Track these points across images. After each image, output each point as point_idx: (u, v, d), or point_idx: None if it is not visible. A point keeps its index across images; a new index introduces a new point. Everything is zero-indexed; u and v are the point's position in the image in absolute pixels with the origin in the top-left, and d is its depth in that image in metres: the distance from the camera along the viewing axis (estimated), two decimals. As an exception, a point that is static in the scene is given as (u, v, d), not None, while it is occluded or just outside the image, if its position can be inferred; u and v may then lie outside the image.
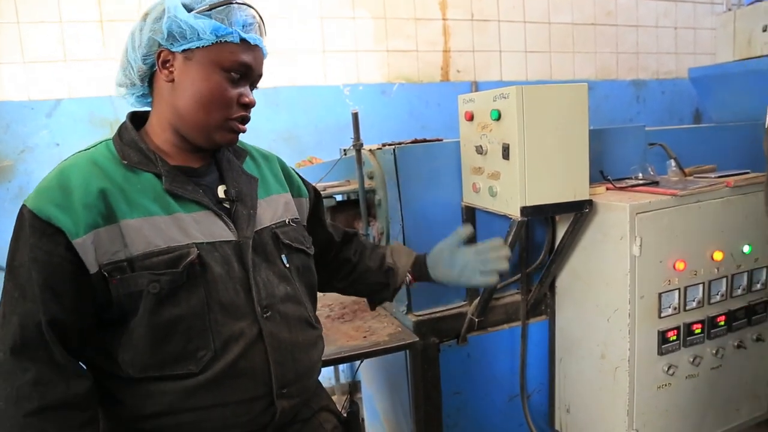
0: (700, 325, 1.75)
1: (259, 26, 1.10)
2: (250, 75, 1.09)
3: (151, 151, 1.07)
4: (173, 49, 1.03)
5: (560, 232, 1.80)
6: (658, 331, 1.67)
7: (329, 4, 2.81)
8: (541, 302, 1.95)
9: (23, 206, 0.98)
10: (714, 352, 1.79)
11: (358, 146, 1.75)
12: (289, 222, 1.22)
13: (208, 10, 1.03)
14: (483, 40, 3.09)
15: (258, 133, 2.73)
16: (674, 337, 1.70)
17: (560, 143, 1.52)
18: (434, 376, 1.81)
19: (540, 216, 1.67)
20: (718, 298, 1.77)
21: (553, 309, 1.95)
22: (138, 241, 0.98)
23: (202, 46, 1.02)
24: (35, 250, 0.94)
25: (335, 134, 2.67)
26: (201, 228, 1.05)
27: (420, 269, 1.50)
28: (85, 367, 1.04)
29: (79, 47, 2.47)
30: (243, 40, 1.05)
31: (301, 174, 1.39)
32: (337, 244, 1.48)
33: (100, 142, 1.09)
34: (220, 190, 1.13)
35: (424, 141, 1.82)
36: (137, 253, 0.98)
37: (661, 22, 3.60)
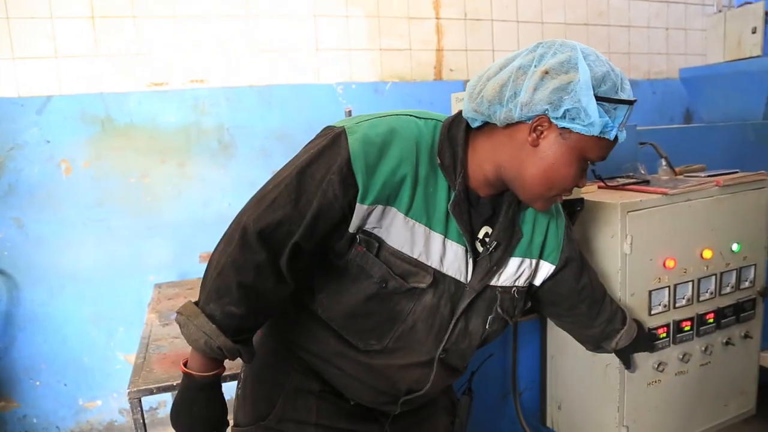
0: (689, 323, 1.76)
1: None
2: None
3: (461, 164, 1.06)
4: (556, 123, 0.98)
5: (552, 231, 1.81)
6: (648, 329, 1.68)
7: (322, 2, 2.81)
8: (533, 300, 1.96)
9: (346, 135, 1.01)
10: (703, 349, 1.81)
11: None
12: (514, 292, 1.21)
13: (609, 102, 0.97)
14: (476, 39, 3.10)
15: (251, 132, 2.73)
16: (664, 335, 1.72)
17: (552, 142, 1.53)
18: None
19: (532, 214, 1.68)
20: (707, 295, 1.79)
21: (544, 307, 1.97)
22: (397, 237, 1.04)
23: (582, 134, 0.98)
24: (329, 184, 0.99)
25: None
26: (447, 258, 1.09)
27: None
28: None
29: (70, 43, 2.46)
30: (615, 138, 1.01)
31: (572, 238, 1.31)
32: (580, 308, 1.39)
33: (433, 119, 1.10)
34: (482, 231, 1.14)
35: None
36: (391, 244, 1.05)
37: (652, 23, 3.63)
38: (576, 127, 0.96)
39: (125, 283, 2.64)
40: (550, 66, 0.97)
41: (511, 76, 0.99)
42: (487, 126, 1.07)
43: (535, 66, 0.98)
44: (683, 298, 1.75)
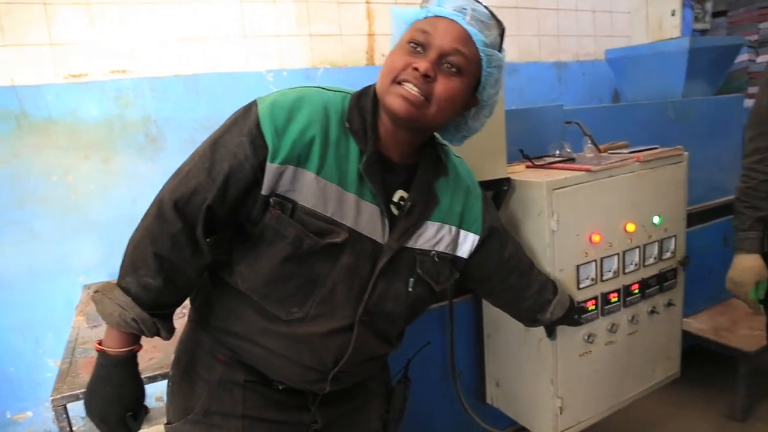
0: (616, 294, 1.83)
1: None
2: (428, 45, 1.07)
3: (372, 127, 1.10)
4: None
5: (483, 211, 1.84)
6: (578, 302, 1.73)
7: (249, -13, 2.72)
8: (468, 281, 1.99)
9: (256, 103, 1.07)
10: (630, 318, 1.89)
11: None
12: (433, 255, 1.22)
13: None
14: (407, 23, 3.09)
15: (179, 123, 2.63)
16: (593, 307, 1.78)
17: (477, 123, 1.54)
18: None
19: (461, 195, 1.69)
20: (632, 267, 1.87)
21: (479, 286, 2.00)
22: (310, 197, 1.06)
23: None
24: (241, 147, 1.03)
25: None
26: (362, 217, 1.11)
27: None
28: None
29: (-24, 34, 2.29)
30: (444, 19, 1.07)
31: (491, 209, 1.36)
32: (507, 273, 1.42)
33: (341, 92, 1.14)
34: (397, 195, 1.17)
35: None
36: (304, 204, 1.06)
37: (580, 6, 3.71)
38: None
39: (53, 286, 2.51)
40: None
41: None
42: None
43: None
44: (610, 271, 1.82)
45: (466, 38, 1.06)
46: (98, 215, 2.55)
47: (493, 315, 1.97)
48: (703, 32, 3.98)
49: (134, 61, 2.57)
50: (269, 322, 1.12)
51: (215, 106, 2.67)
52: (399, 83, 1.04)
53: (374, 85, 1.14)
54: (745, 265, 1.86)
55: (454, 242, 1.27)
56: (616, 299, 1.83)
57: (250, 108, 1.07)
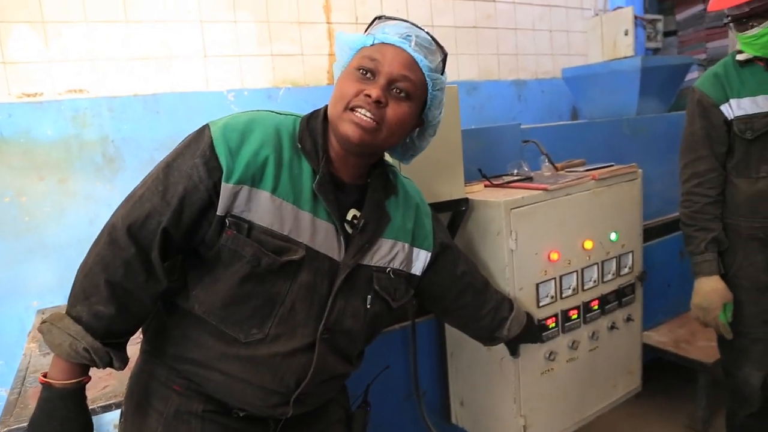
0: (576, 311, 1.85)
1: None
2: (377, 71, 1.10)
3: (323, 149, 1.12)
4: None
5: (443, 231, 1.84)
6: (538, 320, 1.74)
7: (209, 7, 2.70)
8: (430, 300, 1.98)
9: (209, 126, 1.08)
10: (590, 335, 1.91)
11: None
12: (389, 272, 1.24)
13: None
14: (368, 43, 3.11)
15: (138, 143, 2.59)
16: (553, 325, 1.79)
17: (434, 144, 1.54)
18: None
19: (420, 216, 1.70)
20: (591, 284, 1.89)
21: (442, 306, 1.99)
22: (266, 216, 1.07)
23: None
24: (195, 169, 1.03)
25: (221, 141, 2.58)
26: (318, 236, 1.12)
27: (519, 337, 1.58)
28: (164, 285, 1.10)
29: None
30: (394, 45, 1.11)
31: (441, 225, 1.41)
32: (463, 288, 1.44)
33: (292, 115, 1.16)
34: (350, 214, 1.19)
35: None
36: (260, 224, 1.06)
37: (537, 26, 3.80)
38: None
39: (4, 311, 2.42)
40: None
41: None
42: None
43: None
44: (569, 288, 1.84)
45: (413, 64, 1.10)
46: (54, 237, 2.48)
47: (456, 334, 1.96)
48: (656, 51, 4.12)
49: (92, 80, 2.53)
50: (228, 345, 1.10)
51: (175, 126, 2.63)
52: (352, 110, 1.07)
53: (324, 108, 1.17)
54: (707, 288, 1.90)
55: (408, 259, 1.29)
56: (576, 316, 1.85)
57: (203, 131, 1.08)
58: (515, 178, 1.93)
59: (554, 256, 1.77)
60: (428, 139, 1.28)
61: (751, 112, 1.83)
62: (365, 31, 1.19)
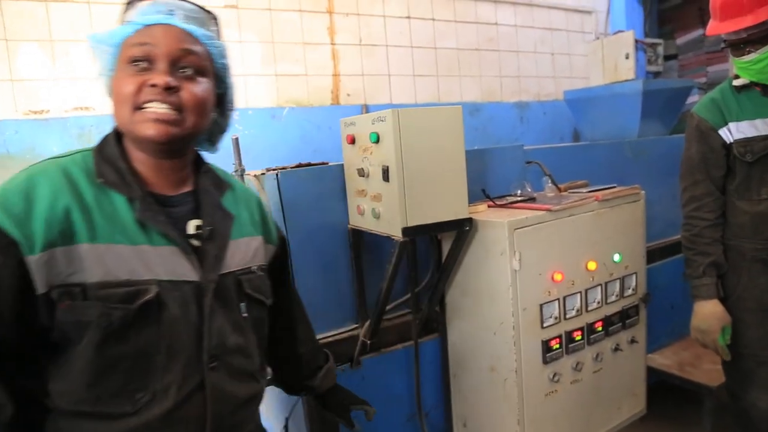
0: (580, 332, 1.84)
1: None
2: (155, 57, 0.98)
3: (129, 172, 1.00)
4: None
5: (446, 251, 1.84)
6: (542, 341, 1.74)
7: (215, 27, 2.74)
8: (432, 320, 1.98)
9: None
10: (594, 356, 1.89)
11: (240, 171, 1.71)
12: (255, 269, 1.15)
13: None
14: (372, 64, 3.14)
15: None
16: (557, 346, 1.78)
17: (438, 164, 1.56)
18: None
19: (422, 236, 1.70)
20: (594, 305, 1.88)
21: (444, 326, 1.99)
22: (96, 269, 0.92)
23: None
24: None
25: (224, 159, 2.59)
26: (165, 264, 0.99)
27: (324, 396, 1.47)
28: (9, 393, 0.93)
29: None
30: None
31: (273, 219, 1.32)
32: (290, 314, 1.37)
33: (77, 152, 1.02)
34: (192, 225, 1.05)
35: (309, 165, 1.81)
36: (93, 281, 0.92)
37: (539, 48, 3.84)
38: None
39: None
40: None
41: None
42: None
43: None
44: (573, 309, 1.83)
45: (189, 37, 1.01)
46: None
47: (459, 355, 1.95)
48: (656, 74, 4.15)
49: (98, 98, 2.54)
50: (114, 423, 0.95)
51: (179, 144, 2.65)
52: (141, 108, 0.96)
53: (112, 130, 1.05)
54: (706, 312, 1.89)
55: (264, 251, 1.21)
56: (579, 337, 1.84)
57: None
58: (518, 198, 1.93)
59: (558, 276, 1.76)
60: (229, 115, 1.15)
61: (750, 135, 1.84)
62: (118, 22, 1.04)
